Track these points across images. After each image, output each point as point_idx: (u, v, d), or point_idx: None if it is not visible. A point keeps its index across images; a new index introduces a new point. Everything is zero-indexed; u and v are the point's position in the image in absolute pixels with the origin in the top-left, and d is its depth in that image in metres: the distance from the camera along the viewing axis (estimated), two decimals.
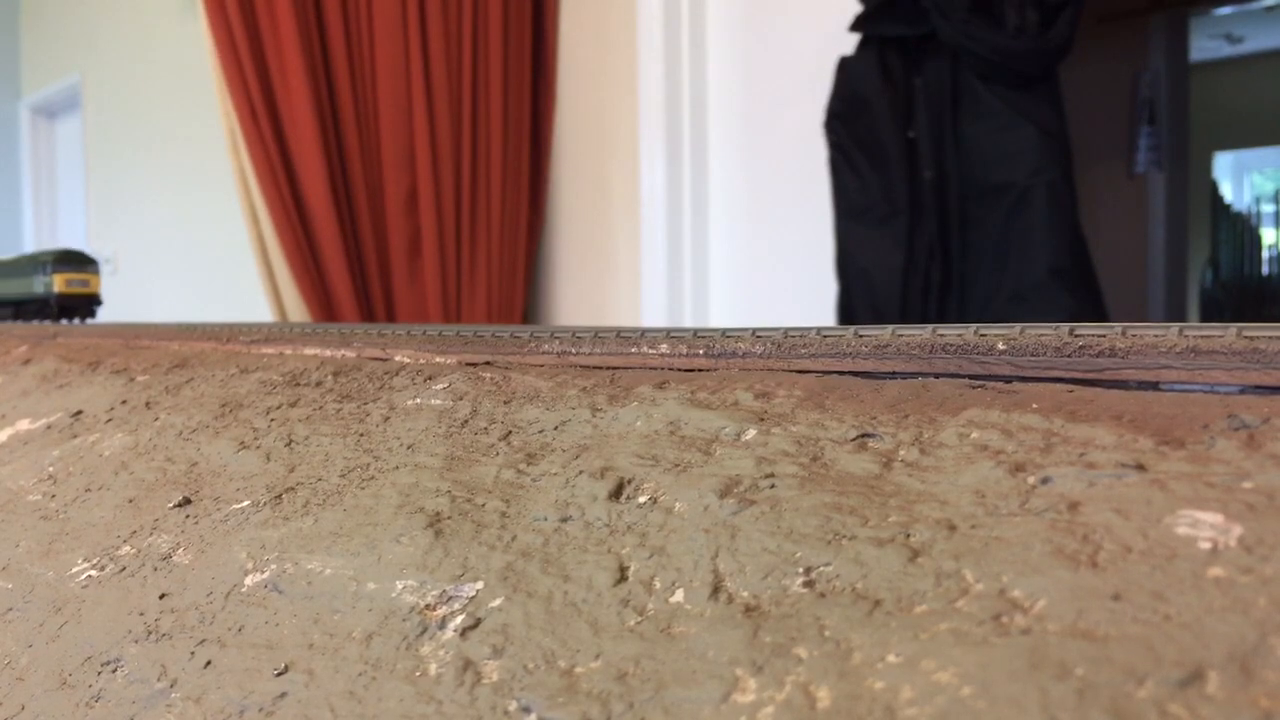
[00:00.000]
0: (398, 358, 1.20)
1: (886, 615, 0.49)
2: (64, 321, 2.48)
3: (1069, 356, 0.69)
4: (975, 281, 2.43)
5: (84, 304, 2.54)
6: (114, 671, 0.70)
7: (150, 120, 5.19)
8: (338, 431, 0.97)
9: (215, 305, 4.33)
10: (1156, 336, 0.66)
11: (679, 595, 0.56)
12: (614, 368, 0.96)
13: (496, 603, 0.61)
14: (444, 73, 3.24)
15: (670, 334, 0.96)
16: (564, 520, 0.68)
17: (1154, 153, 3.97)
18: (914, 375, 0.77)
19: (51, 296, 2.47)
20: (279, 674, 0.62)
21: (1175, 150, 4.05)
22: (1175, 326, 0.66)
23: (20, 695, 0.73)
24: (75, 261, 2.53)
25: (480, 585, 0.63)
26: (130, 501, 0.96)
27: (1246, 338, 0.62)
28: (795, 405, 0.75)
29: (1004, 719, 0.40)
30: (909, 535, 0.54)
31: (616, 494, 0.69)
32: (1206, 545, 0.46)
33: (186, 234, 4.97)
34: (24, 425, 1.33)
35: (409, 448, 0.88)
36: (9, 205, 6.66)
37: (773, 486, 0.63)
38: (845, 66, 2.54)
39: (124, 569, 0.83)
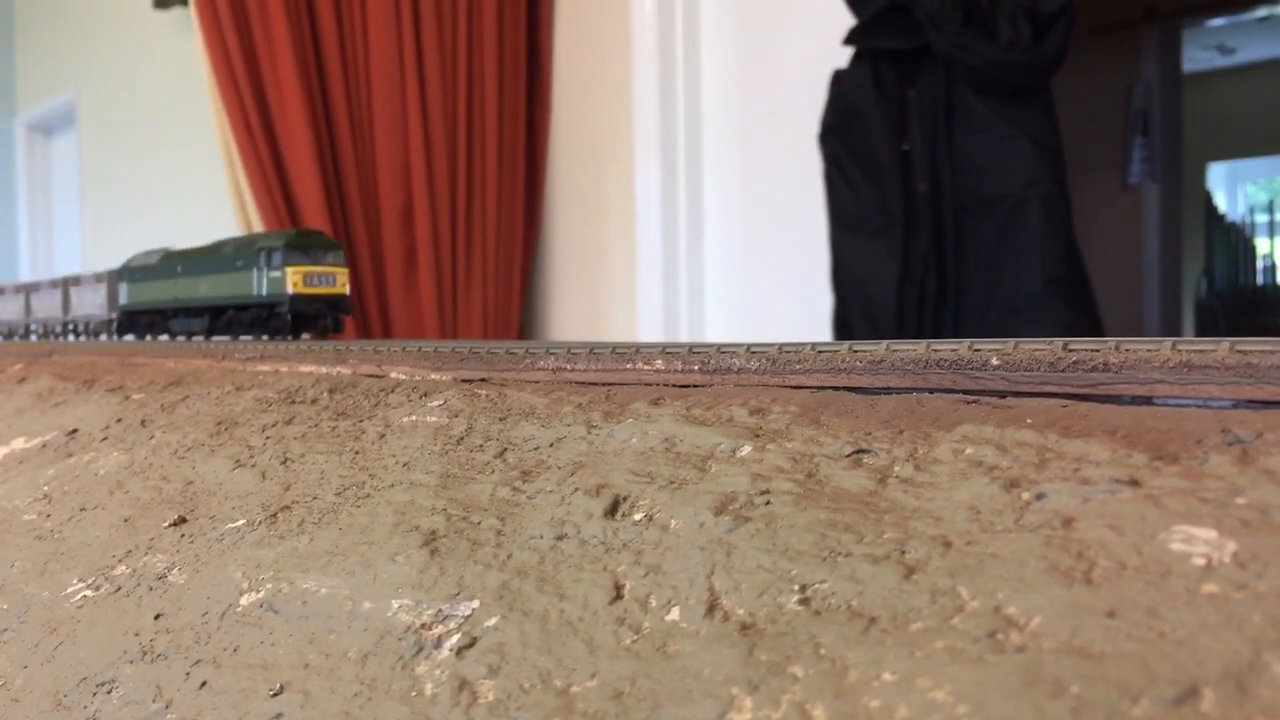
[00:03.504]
0: (393, 374, 1.20)
1: (882, 633, 0.49)
2: (290, 338, 1.71)
3: (1063, 371, 0.69)
4: (970, 293, 2.43)
5: (329, 310, 1.74)
6: (109, 692, 0.70)
7: (146, 137, 5.19)
8: (333, 449, 0.96)
9: None
10: (1150, 351, 0.66)
11: (675, 613, 0.56)
12: (609, 384, 0.96)
13: (492, 621, 0.61)
14: (439, 86, 3.25)
15: (665, 350, 0.96)
16: (559, 538, 0.68)
17: (1148, 164, 3.98)
18: (909, 390, 0.77)
19: (283, 300, 1.68)
20: (274, 694, 0.62)
21: (1169, 161, 4.06)
22: (1168, 341, 0.66)
23: (15, 717, 0.72)
24: (316, 248, 1.72)
25: (476, 604, 0.63)
26: (125, 521, 0.95)
27: (1239, 352, 0.62)
28: (790, 421, 0.75)
29: None
30: (904, 552, 0.54)
31: (612, 511, 0.69)
32: (1201, 561, 0.46)
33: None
34: (19, 444, 1.33)
35: (405, 465, 0.88)
36: (4, 222, 6.66)
37: (768, 503, 0.63)
38: (839, 79, 2.55)
39: (119, 589, 0.83)
